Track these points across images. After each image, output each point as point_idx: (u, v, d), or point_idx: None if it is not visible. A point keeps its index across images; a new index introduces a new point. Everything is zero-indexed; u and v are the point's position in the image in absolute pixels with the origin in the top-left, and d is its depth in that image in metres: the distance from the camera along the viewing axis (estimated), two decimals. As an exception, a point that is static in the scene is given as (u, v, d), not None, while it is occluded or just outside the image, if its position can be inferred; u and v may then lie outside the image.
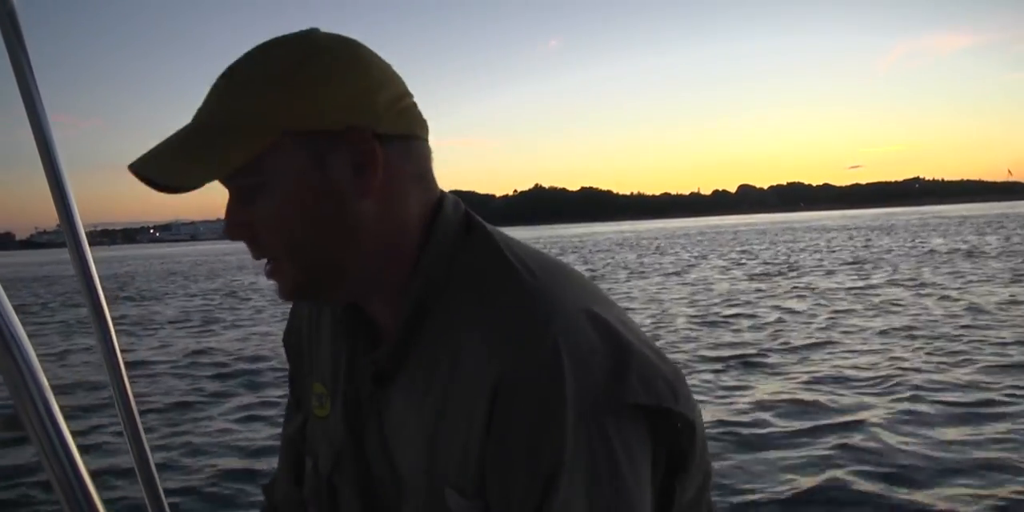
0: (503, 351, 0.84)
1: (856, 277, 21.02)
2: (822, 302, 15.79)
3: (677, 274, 25.49)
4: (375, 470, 1.00)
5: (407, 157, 0.93)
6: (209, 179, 0.88)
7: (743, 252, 37.43)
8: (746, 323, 13.37)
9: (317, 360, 1.11)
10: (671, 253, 40.13)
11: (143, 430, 1.33)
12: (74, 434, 1.20)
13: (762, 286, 19.94)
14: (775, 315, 14.21)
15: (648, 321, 14.13)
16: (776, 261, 29.48)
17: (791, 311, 14.62)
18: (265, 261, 0.93)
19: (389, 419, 0.97)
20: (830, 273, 22.77)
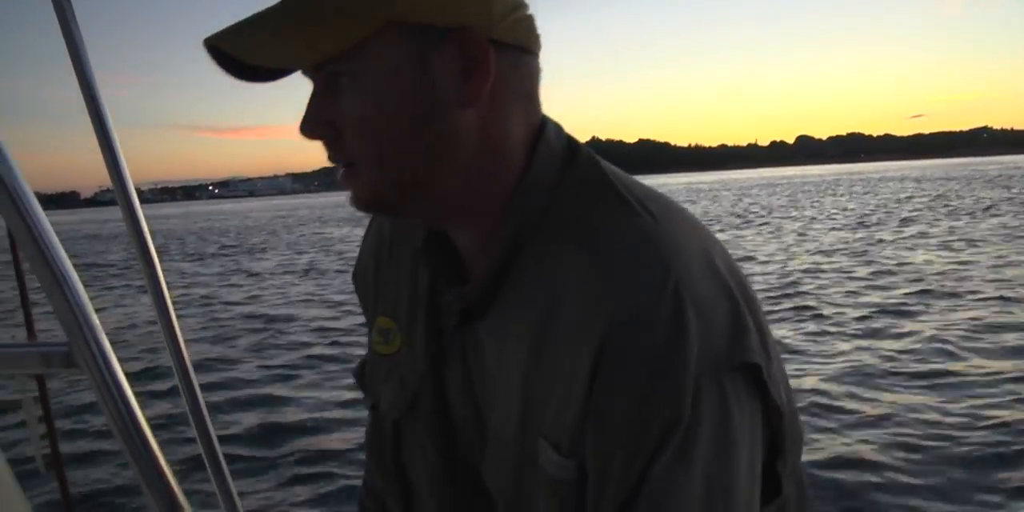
0: (615, 297, 0.75)
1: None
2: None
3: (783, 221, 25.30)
4: (455, 413, 0.92)
5: (517, 72, 0.83)
6: (299, 61, 0.80)
7: (832, 202, 36.94)
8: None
9: (387, 293, 1.01)
10: (752, 204, 39.67)
11: (197, 382, 1.37)
12: (128, 376, 1.25)
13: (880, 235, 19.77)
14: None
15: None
16: (868, 211, 28.98)
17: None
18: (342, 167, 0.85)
19: (476, 359, 0.89)
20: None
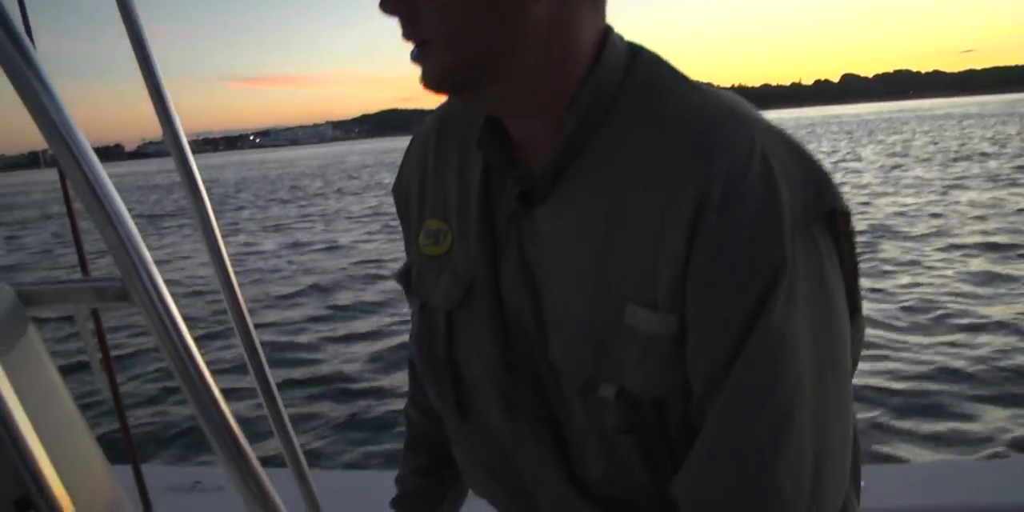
0: (708, 159, 0.79)
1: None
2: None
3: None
4: (508, 304, 0.94)
5: None
6: None
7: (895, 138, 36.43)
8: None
9: (435, 197, 1.04)
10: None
11: (255, 331, 1.40)
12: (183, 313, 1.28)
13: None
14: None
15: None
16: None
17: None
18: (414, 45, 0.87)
19: (534, 245, 0.91)
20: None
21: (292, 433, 1.49)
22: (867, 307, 0.87)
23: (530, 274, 0.92)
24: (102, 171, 1.10)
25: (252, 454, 1.39)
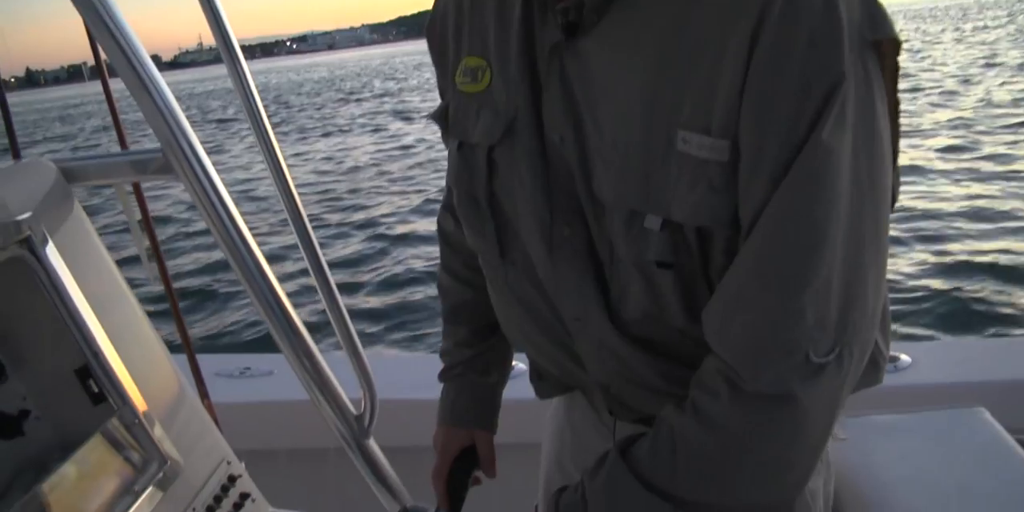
0: None
1: None
2: None
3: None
4: (550, 138, 0.94)
5: None
6: None
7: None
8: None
9: (472, 34, 1.03)
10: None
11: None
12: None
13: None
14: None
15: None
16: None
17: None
18: None
19: (578, 76, 0.90)
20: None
21: (345, 313, 1.50)
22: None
23: (573, 107, 0.90)
24: (139, 44, 1.08)
25: (303, 327, 1.40)
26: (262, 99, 1.32)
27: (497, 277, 1.09)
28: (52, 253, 1.21)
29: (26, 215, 1.19)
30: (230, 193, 1.27)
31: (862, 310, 0.82)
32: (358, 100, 30.55)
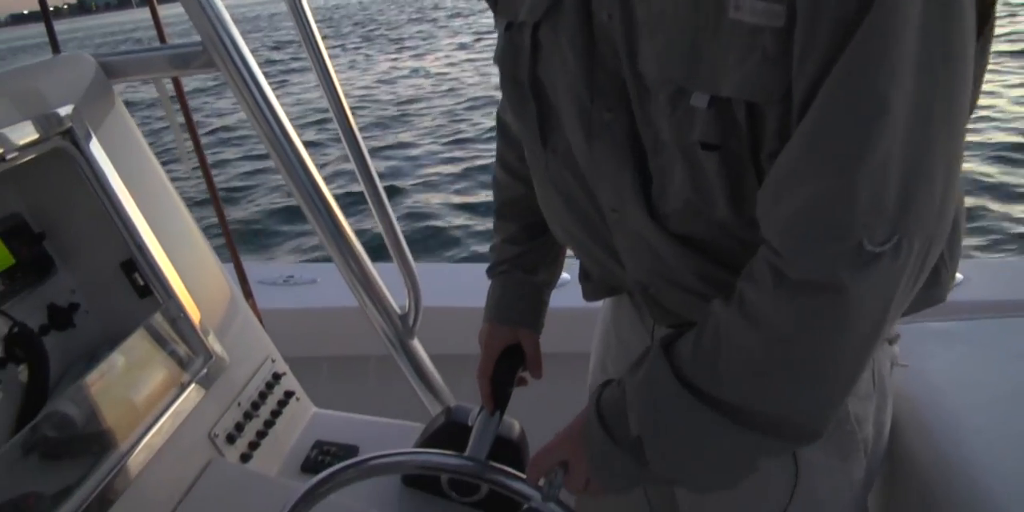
0: None
1: None
2: None
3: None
4: (597, 18, 0.90)
5: None
6: None
7: None
8: None
9: None
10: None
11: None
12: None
13: None
14: None
15: None
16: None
17: None
18: None
19: None
20: None
21: (391, 214, 1.49)
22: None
23: None
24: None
25: (347, 225, 1.40)
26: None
27: (539, 166, 1.06)
28: (94, 146, 1.21)
29: (67, 107, 1.19)
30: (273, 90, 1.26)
31: (927, 200, 0.76)
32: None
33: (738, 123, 0.79)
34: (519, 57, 0.98)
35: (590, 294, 1.20)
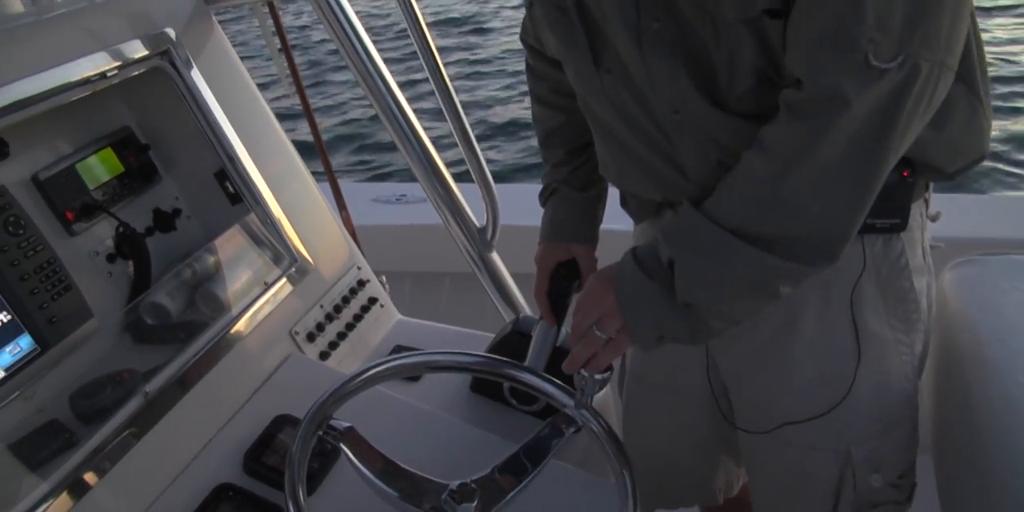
0: None
1: None
2: None
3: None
4: None
5: None
6: None
7: None
8: None
9: None
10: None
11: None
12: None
13: None
14: None
15: None
16: None
17: None
18: None
19: None
20: None
21: (476, 145, 1.56)
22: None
23: None
24: None
25: (428, 140, 1.47)
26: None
27: (593, 88, 1.09)
28: (191, 65, 1.32)
29: (165, 28, 1.30)
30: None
31: (933, 25, 0.81)
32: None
33: None
34: None
35: (635, 217, 1.24)
